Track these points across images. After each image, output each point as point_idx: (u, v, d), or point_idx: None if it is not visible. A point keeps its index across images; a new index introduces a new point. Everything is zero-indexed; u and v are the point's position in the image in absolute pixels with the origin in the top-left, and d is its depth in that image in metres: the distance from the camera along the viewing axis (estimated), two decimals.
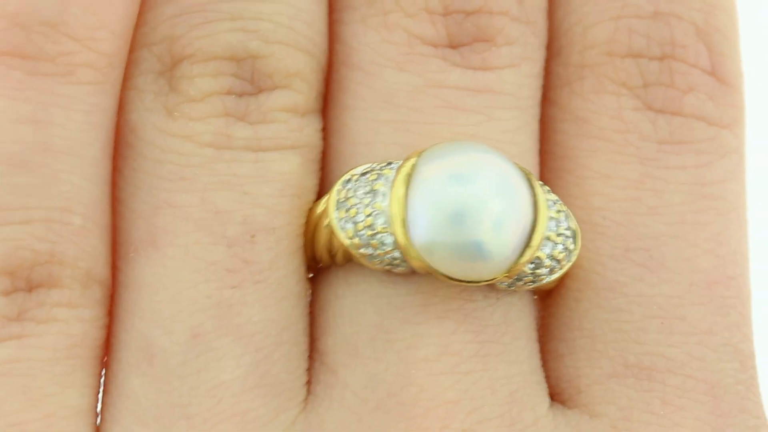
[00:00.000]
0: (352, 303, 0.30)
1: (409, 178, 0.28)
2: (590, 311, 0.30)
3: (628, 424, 0.29)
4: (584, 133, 0.31)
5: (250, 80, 0.30)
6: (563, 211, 0.30)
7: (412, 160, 0.29)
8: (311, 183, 0.30)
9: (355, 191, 0.29)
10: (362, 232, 0.29)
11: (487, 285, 0.29)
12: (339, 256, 0.30)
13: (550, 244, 0.29)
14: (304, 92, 0.30)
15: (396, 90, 0.30)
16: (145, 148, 0.30)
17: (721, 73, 0.31)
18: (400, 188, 0.28)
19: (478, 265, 0.28)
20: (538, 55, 0.32)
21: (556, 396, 0.30)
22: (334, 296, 0.30)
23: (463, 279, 0.28)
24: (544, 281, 0.29)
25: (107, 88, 0.30)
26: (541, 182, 0.30)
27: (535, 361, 0.30)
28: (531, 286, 0.30)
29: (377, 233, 0.29)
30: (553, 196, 0.30)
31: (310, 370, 0.30)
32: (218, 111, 0.30)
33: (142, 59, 0.30)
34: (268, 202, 0.29)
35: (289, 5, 0.30)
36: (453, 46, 0.31)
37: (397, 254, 0.29)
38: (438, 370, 0.29)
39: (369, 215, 0.29)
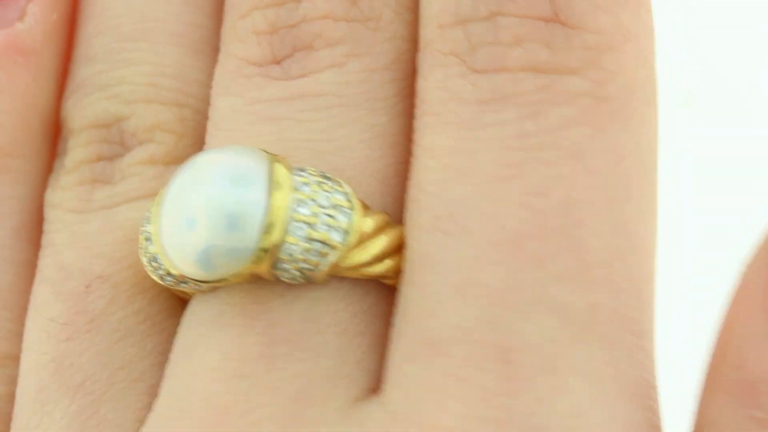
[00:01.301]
0: (179, 328, 0.30)
1: (159, 200, 0.29)
2: (405, 290, 0.28)
3: (406, 405, 0.26)
4: (421, 112, 0.29)
5: (120, 143, 0.31)
6: (329, 192, 0.28)
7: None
8: None
9: (145, 223, 0.30)
10: (148, 259, 0.29)
11: (283, 283, 0.28)
12: (174, 289, 0.30)
13: (300, 225, 0.27)
14: (167, 142, 0.31)
15: (221, 115, 0.31)
16: (43, 224, 0.32)
17: (565, 17, 0.28)
18: (156, 208, 0.29)
19: (221, 267, 0.27)
20: (382, 49, 0.30)
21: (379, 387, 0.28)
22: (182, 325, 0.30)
23: (211, 280, 0.28)
24: (324, 266, 0.28)
25: (11, 177, 0.32)
26: (303, 168, 0.28)
27: (350, 355, 0.28)
28: (317, 274, 0.28)
29: (153, 256, 0.29)
30: (315, 179, 0.28)
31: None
32: (85, 178, 0.31)
33: (60, 141, 0.33)
34: (108, 251, 0.30)
35: (151, 64, 0.32)
36: (276, 61, 0.30)
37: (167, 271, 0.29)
38: (218, 377, 0.28)
39: (146, 239, 0.29)
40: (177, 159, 0.31)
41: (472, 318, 0.26)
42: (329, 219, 0.28)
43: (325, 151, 0.29)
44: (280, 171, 0.28)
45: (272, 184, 0.27)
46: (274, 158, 0.28)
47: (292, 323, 0.28)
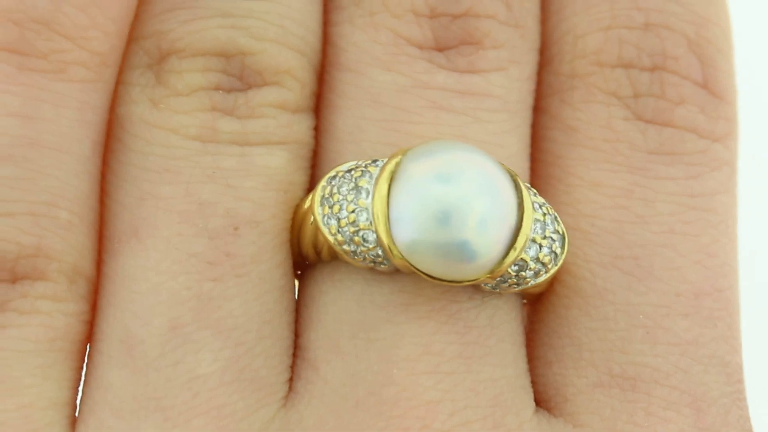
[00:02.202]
0: (335, 300, 0.30)
1: (393, 175, 0.28)
2: (578, 319, 0.30)
3: None
4: (574, 142, 0.31)
5: (239, 77, 0.30)
6: (550, 214, 0.30)
7: (397, 158, 0.29)
8: (300, 179, 0.30)
9: (339, 188, 0.29)
10: (345, 229, 0.29)
11: (472, 286, 0.29)
12: (324, 253, 0.30)
13: (535, 246, 0.29)
14: (294, 90, 0.30)
15: (382, 89, 0.30)
16: (131, 140, 0.30)
17: (713, 86, 0.31)
18: (383, 185, 0.28)
19: (461, 266, 0.28)
20: (527, 59, 0.32)
21: (542, 403, 0.30)
22: (318, 292, 0.30)
23: (445, 278, 0.28)
24: (530, 284, 0.29)
25: (99, 86, 0.30)
26: (527, 185, 0.30)
27: (521, 366, 0.30)
28: (516, 289, 0.29)
29: (360, 230, 0.29)
30: (540, 199, 0.30)
31: (293, 366, 0.30)
32: (205, 105, 0.30)
33: (132, 53, 0.31)
34: (253, 195, 0.29)
35: (281, 4, 0.31)
36: (439, 48, 0.31)
37: (379, 252, 0.29)
38: (419, 369, 0.29)
39: (352, 212, 0.29)
40: (302, 108, 0.31)
41: (668, 364, 0.30)
42: (553, 244, 0.30)
43: (497, 156, 0.30)
44: (524, 190, 0.29)
45: (521, 202, 0.29)
46: (512, 172, 0.29)
47: (482, 327, 0.29)
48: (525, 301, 0.31)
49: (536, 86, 0.32)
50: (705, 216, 0.31)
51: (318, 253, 0.30)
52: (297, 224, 0.30)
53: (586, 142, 0.31)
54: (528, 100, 0.32)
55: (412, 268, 0.28)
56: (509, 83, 0.31)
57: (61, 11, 0.29)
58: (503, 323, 0.30)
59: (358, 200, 0.29)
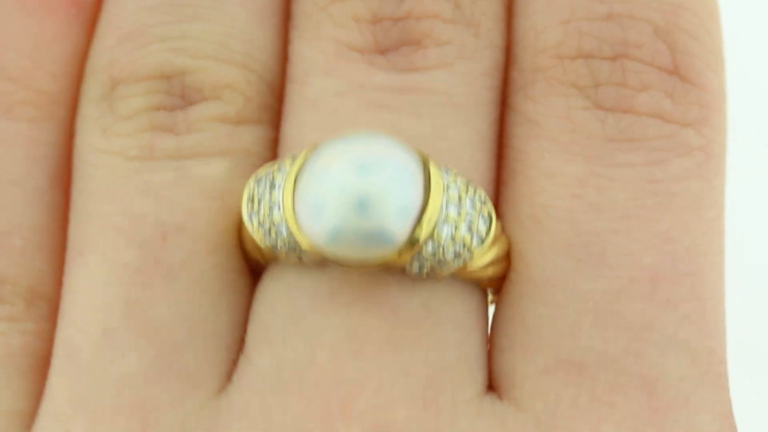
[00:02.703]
0: (272, 294, 0.30)
1: (301, 168, 0.29)
2: (529, 306, 0.30)
3: (553, 418, 0.28)
4: (535, 134, 0.31)
5: (181, 95, 0.31)
6: (471, 197, 0.29)
7: (306, 150, 0.29)
8: (242, 187, 0.31)
9: (258, 185, 0.30)
10: (264, 223, 0.29)
11: (400, 273, 0.29)
12: (265, 254, 0.30)
13: (448, 225, 0.29)
14: (236, 102, 0.31)
15: (320, 94, 0.31)
16: (83, 167, 0.32)
17: (685, 72, 0.30)
18: (291, 178, 0.29)
19: (370, 250, 0.28)
20: (482, 56, 0.31)
21: (495, 389, 0.30)
22: (261, 290, 0.30)
23: (355, 264, 0.28)
24: (456, 266, 0.29)
25: (51, 124, 0.32)
26: (449, 169, 0.29)
27: (467, 350, 0.29)
28: (444, 272, 0.29)
29: (274, 223, 0.29)
30: (461, 181, 0.29)
31: (237, 361, 0.30)
32: (145, 126, 0.31)
33: (89, 88, 0.32)
34: (182, 203, 0.30)
35: (221, 24, 0.32)
36: (380, 51, 0.31)
37: (295, 243, 0.29)
38: (343, 352, 0.29)
39: (268, 206, 0.29)
40: (246, 120, 0.31)
41: (618, 348, 0.29)
42: (473, 224, 0.29)
43: (438, 150, 0.30)
44: (434, 170, 0.29)
45: (429, 182, 0.28)
46: (422, 154, 0.29)
47: (414, 310, 0.29)
48: (492, 290, 0.31)
49: (504, 83, 0.32)
50: (666, 201, 0.30)
51: (262, 255, 0.30)
52: (241, 229, 0.31)
53: (546, 133, 0.30)
54: (484, 95, 0.31)
55: (323, 255, 0.28)
56: (454, 78, 0.31)
57: (4, 56, 0.32)
58: (442, 307, 0.29)
59: (272, 195, 0.29)
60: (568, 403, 0.28)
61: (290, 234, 0.29)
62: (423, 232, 0.28)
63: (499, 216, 0.31)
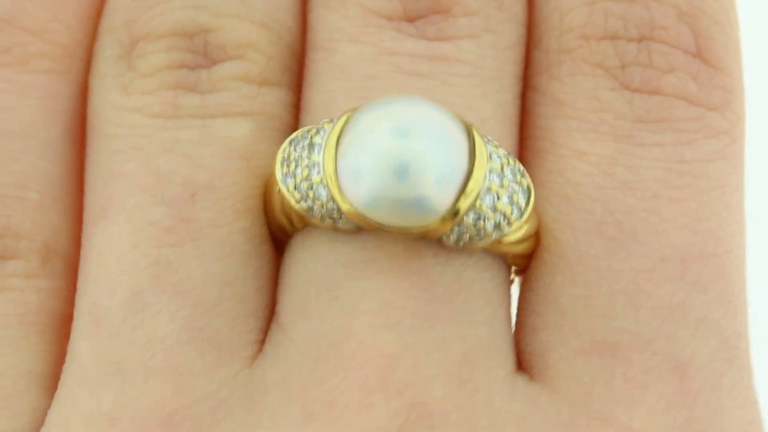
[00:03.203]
0: (304, 263, 0.29)
1: (343, 130, 0.28)
2: (563, 285, 0.30)
3: (587, 400, 0.28)
4: (561, 114, 0.31)
5: (204, 53, 0.31)
6: (512, 165, 0.29)
7: (348, 113, 0.29)
8: (266, 149, 0.31)
9: (296, 147, 0.29)
10: (300, 185, 0.29)
11: (436, 244, 0.29)
12: (295, 220, 0.30)
13: (491, 195, 0.28)
14: (258, 62, 0.31)
15: (350, 61, 0.31)
16: (103, 126, 0.31)
17: (708, 56, 0.31)
18: (332, 139, 0.28)
19: (413, 215, 0.27)
20: (506, 29, 0.31)
21: (527, 370, 0.30)
22: (291, 259, 0.30)
23: (396, 227, 0.28)
24: (494, 237, 0.29)
25: (67, 77, 0.32)
26: (489, 138, 0.29)
27: (498, 327, 0.29)
28: (481, 243, 0.29)
29: (312, 185, 0.29)
30: (502, 151, 0.29)
31: (264, 330, 0.30)
32: (168, 83, 0.30)
33: (106, 45, 0.32)
34: (210, 163, 0.30)
35: None
36: (409, 19, 0.31)
37: (334, 206, 0.28)
38: (379, 323, 0.28)
39: (306, 167, 0.29)
40: (268, 81, 0.31)
41: (650, 329, 0.29)
42: (514, 194, 0.29)
43: (470, 120, 0.30)
44: (478, 139, 0.28)
45: (473, 149, 0.28)
46: (466, 121, 0.29)
47: (448, 283, 0.29)
48: (515, 268, 0.31)
49: (527, 64, 0.32)
50: (694, 182, 0.30)
51: (290, 221, 0.30)
52: (267, 193, 0.30)
53: (573, 113, 0.31)
54: (508, 69, 0.31)
55: (363, 219, 0.28)
56: (481, 50, 0.31)
57: (22, 8, 0.31)
58: (474, 281, 0.29)
59: (311, 156, 0.29)
60: (602, 385, 0.28)
61: (330, 197, 0.28)
62: (466, 203, 0.28)
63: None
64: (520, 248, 0.30)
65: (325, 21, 0.31)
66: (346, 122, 0.28)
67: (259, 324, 0.29)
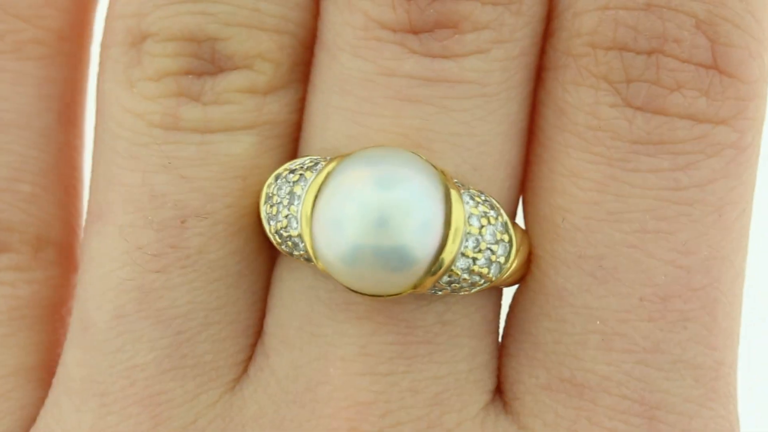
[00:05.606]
0: (288, 289, 0.30)
1: (322, 185, 0.28)
2: (538, 317, 0.30)
3: None
4: (561, 125, 0.30)
5: (211, 60, 0.30)
6: (492, 224, 0.29)
7: (327, 169, 0.28)
8: (268, 161, 0.30)
9: (279, 189, 0.29)
10: (280, 232, 0.29)
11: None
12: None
13: (465, 259, 0.28)
14: (266, 72, 0.30)
15: (349, 76, 0.30)
16: (107, 119, 0.31)
17: (724, 64, 0.29)
18: (309, 198, 0.28)
19: (390, 278, 0.28)
20: (521, 35, 0.30)
21: (501, 393, 0.30)
22: (278, 278, 0.30)
23: (369, 293, 0.28)
24: (474, 291, 0.29)
25: (59, 60, 0.32)
26: (473, 192, 0.29)
27: (480, 359, 0.30)
28: (462, 293, 0.29)
29: (291, 236, 0.29)
30: (481, 209, 0.29)
31: (255, 346, 0.30)
32: (171, 91, 0.30)
33: (118, 29, 0.31)
34: (206, 185, 0.30)
35: None
36: (414, 31, 0.29)
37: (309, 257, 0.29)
38: (354, 370, 0.29)
39: (285, 217, 0.29)
40: (275, 88, 0.30)
41: (621, 372, 0.29)
42: (491, 255, 0.29)
43: (466, 147, 0.29)
44: (457, 208, 0.28)
45: (449, 220, 0.28)
46: (445, 180, 0.28)
47: (429, 326, 0.29)
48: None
49: (540, 56, 0.31)
50: (688, 210, 0.29)
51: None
52: (260, 207, 0.30)
53: (572, 127, 0.29)
54: (517, 77, 0.30)
55: (338, 277, 0.28)
56: (488, 65, 0.29)
57: None
58: (459, 318, 0.29)
59: (290, 206, 0.29)
60: (566, 426, 0.29)
61: (307, 251, 0.29)
62: (442, 270, 0.28)
63: (524, 204, 0.30)
64: (512, 279, 0.30)
65: (330, 20, 0.30)
66: (326, 177, 0.28)
67: (249, 342, 0.30)
